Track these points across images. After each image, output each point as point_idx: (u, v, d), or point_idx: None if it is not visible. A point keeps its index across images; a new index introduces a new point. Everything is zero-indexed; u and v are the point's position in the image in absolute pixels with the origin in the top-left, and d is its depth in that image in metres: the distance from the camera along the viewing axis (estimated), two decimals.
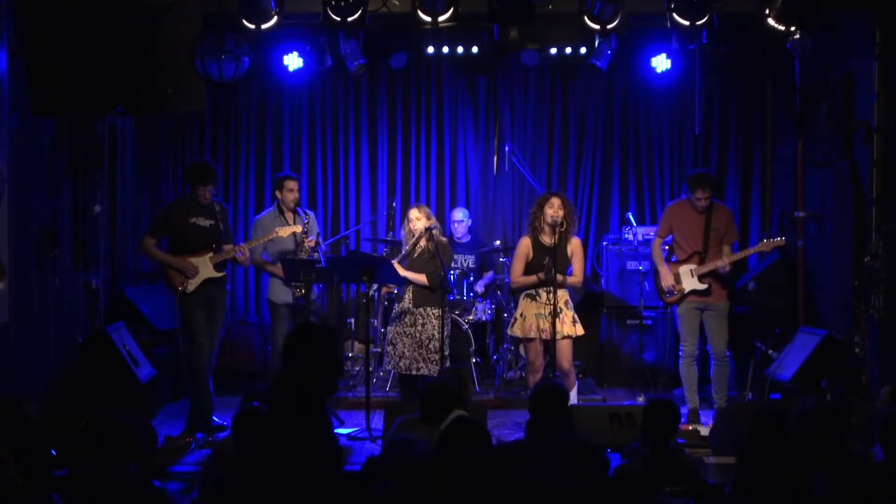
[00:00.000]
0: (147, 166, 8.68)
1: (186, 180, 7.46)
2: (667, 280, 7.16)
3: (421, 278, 7.00)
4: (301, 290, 7.07)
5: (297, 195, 7.40)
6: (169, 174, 9.08)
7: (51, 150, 6.83)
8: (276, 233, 7.10)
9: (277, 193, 7.41)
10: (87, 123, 7.18)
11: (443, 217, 8.82)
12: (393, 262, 7.04)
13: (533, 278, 6.76)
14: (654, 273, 7.46)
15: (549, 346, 6.70)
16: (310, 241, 7.20)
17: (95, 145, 7.38)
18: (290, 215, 7.37)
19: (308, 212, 7.54)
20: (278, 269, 7.24)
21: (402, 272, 6.99)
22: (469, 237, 8.58)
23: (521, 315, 6.84)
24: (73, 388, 6.57)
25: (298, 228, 7.15)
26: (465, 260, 8.38)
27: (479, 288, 8.33)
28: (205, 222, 6.95)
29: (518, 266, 6.89)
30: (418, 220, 7.06)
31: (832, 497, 3.62)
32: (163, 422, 7.00)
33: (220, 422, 6.88)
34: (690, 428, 6.70)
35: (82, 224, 7.22)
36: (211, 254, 6.92)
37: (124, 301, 7.79)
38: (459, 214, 8.57)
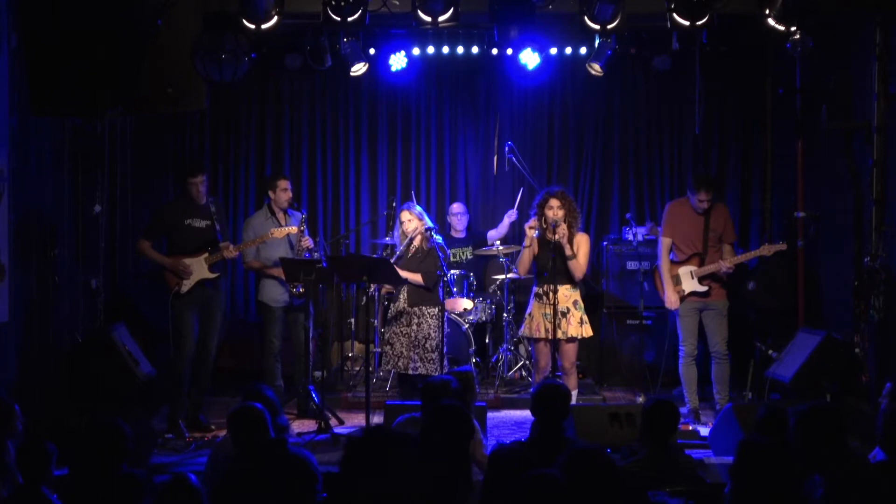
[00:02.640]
0: (147, 166, 8.66)
1: (177, 178, 7.46)
2: (671, 303, 7.17)
3: (416, 278, 7.02)
4: (299, 290, 7.06)
5: (290, 195, 7.35)
6: (169, 174, 9.06)
7: (51, 150, 6.83)
8: (272, 234, 7.08)
9: (270, 193, 7.33)
10: (87, 123, 7.18)
11: (443, 218, 8.82)
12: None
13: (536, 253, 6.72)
14: (653, 273, 7.48)
15: (556, 345, 6.70)
16: (306, 241, 7.18)
17: (95, 145, 7.38)
18: (281, 216, 7.33)
19: (301, 212, 7.52)
20: (275, 270, 7.21)
21: (400, 272, 6.99)
22: (465, 234, 8.59)
23: (531, 315, 6.83)
24: (73, 388, 6.57)
25: (294, 230, 7.12)
26: (463, 253, 8.39)
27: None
28: (200, 223, 6.94)
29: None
30: (409, 221, 7.12)
31: (832, 497, 3.62)
32: (162, 422, 6.99)
33: (206, 421, 6.99)
34: (690, 428, 6.69)
35: (82, 224, 7.22)
36: (206, 254, 6.91)
37: (124, 301, 7.78)
38: (459, 207, 8.60)
